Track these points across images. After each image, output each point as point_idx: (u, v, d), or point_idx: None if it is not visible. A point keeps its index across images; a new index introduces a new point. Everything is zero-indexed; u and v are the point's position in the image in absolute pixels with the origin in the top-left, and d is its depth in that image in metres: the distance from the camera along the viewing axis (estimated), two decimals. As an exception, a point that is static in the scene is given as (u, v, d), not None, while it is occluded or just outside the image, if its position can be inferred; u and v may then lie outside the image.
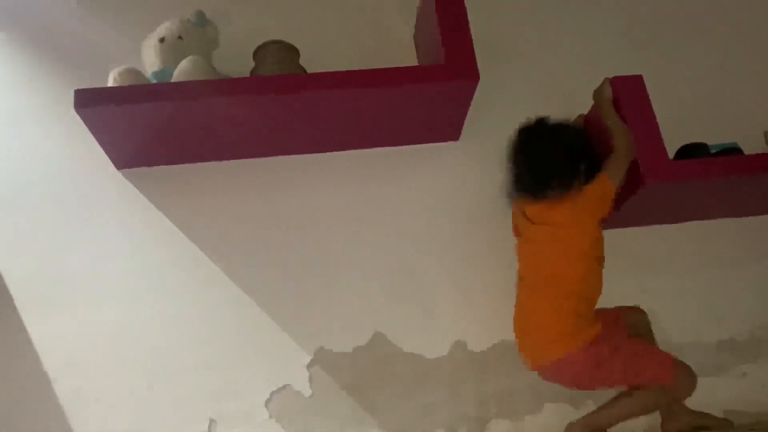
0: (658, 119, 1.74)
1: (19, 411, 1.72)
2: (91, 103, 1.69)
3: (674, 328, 1.91)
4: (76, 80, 1.82)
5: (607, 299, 1.66)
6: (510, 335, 1.70)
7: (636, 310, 1.77)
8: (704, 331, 1.93)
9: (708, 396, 1.82)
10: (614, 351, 1.57)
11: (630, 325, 1.71)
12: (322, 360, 1.81)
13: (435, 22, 1.83)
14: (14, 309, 1.82)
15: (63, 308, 1.83)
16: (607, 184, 1.62)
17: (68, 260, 1.88)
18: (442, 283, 1.91)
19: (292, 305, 1.86)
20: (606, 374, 1.58)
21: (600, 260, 1.64)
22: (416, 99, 1.83)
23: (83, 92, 1.69)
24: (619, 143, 1.67)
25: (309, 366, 1.80)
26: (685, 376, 1.58)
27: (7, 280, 1.85)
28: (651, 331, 1.76)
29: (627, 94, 1.77)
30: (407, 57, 2.12)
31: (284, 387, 1.78)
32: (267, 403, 1.76)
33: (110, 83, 1.79)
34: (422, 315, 1.87)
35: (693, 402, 1.65)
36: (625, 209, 1.83)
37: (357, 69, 1.78)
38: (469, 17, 1.83)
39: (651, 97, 1.77)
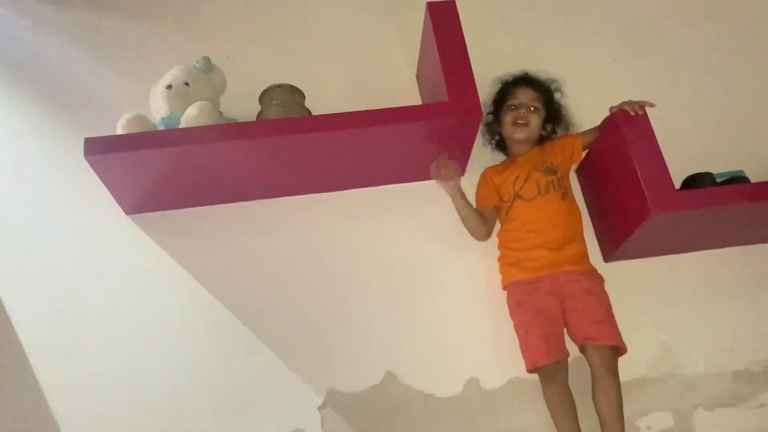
0: (663, 150, 1.75)
1: (30, 461, 1.71)
2: (100, 150, 1.71)
3: (688, 360, 1.88)
4: (86, 128, 1.84)
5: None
6: (524, 372, 1.69)
7: (601, 352, 1.69)
8: (718, 361, 1.90)
9: (727, 428, 1.80)
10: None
11: (591, 364, 1.69)
12: (334, 402, 1.79)
13: (437, 61, 1.86)
14: (24, 356, 1.81)
15: (73, 355, 1.82)
16: None
17: (78, 306, 1.88)
18: (453, 319, 1.90)
19: (302, 346, 1.85)
20: None
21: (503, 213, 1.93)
22: (421, 137, 1.85)
23: (93, 140, 1.71)
24: None
25: (321, 408, 1.79)
26: (543, 386, 1.72)
27: (18, 328, 1.85)
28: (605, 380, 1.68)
29: (631, 126, 1.79)
30: (411, 96, 2.15)
31: (296, 430, 1.76)
32: (279, 447, 1.75)
33: (119, 130, 1.81)
34: (434, 353, 1.86)
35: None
36: (633, 240, 1.83)
37: (361, 109, 1.80)
38: (470, 54, 1.86)
39: (655, 128, 1.78)
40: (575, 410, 1.69)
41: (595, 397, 1.67)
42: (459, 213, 1.89)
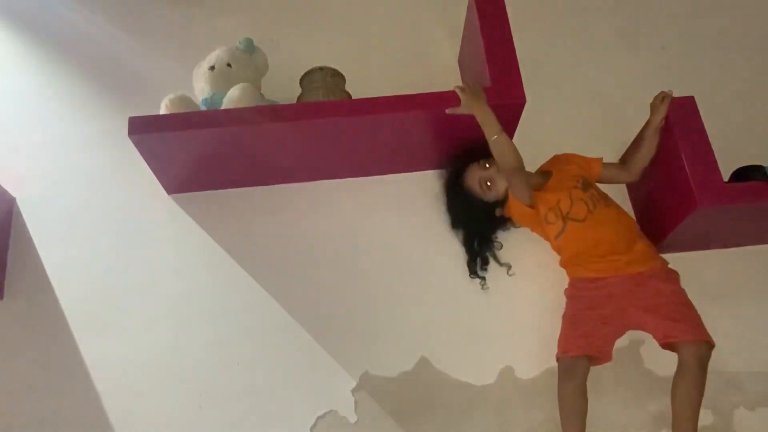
0: (712, 141, 1.70)
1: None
2: (143, 129, 1.73)
3: (731, 356, 1.83)
4: (130, 108, 1.87)
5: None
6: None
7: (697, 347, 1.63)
8: (762, 360, 1.85)
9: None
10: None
11: (681, 359, 1.63)
12: (368, 385, 1.80)
13: (480, 45, 1.84)
14: (68, 331, 1.86)
15: (115, 330, 1.86)
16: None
17: (120, 282, 1.92)
18: (489, 307, 1.89)
19: (337, 329, 1.86)
20: None
21: (554, 220, 1.78)
22: (462, 122, 1.83)
23: (137, 119, 1.74)
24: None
25: (354, 391, 1.80)
26: (560, 378, 1.68)
27: (62, 302, 1.90)
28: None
29: (679, 116, 1.74)
30: (452, 81, 2.13)
31: (329, 412, 1.77)
32: (312, 428, 1.76)
33: (162, 110, 1.84)
34: (468, 340, 1.85)
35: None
36: (678, 233, 1.79)
37: (402, 93, 1.79)
38: (514, 39, 1.82)
39: (704, 118, 1.73)
40: (586, 413, 1.64)
41: (675, 391, 1.61)
42: (490, 138, 1.71)
